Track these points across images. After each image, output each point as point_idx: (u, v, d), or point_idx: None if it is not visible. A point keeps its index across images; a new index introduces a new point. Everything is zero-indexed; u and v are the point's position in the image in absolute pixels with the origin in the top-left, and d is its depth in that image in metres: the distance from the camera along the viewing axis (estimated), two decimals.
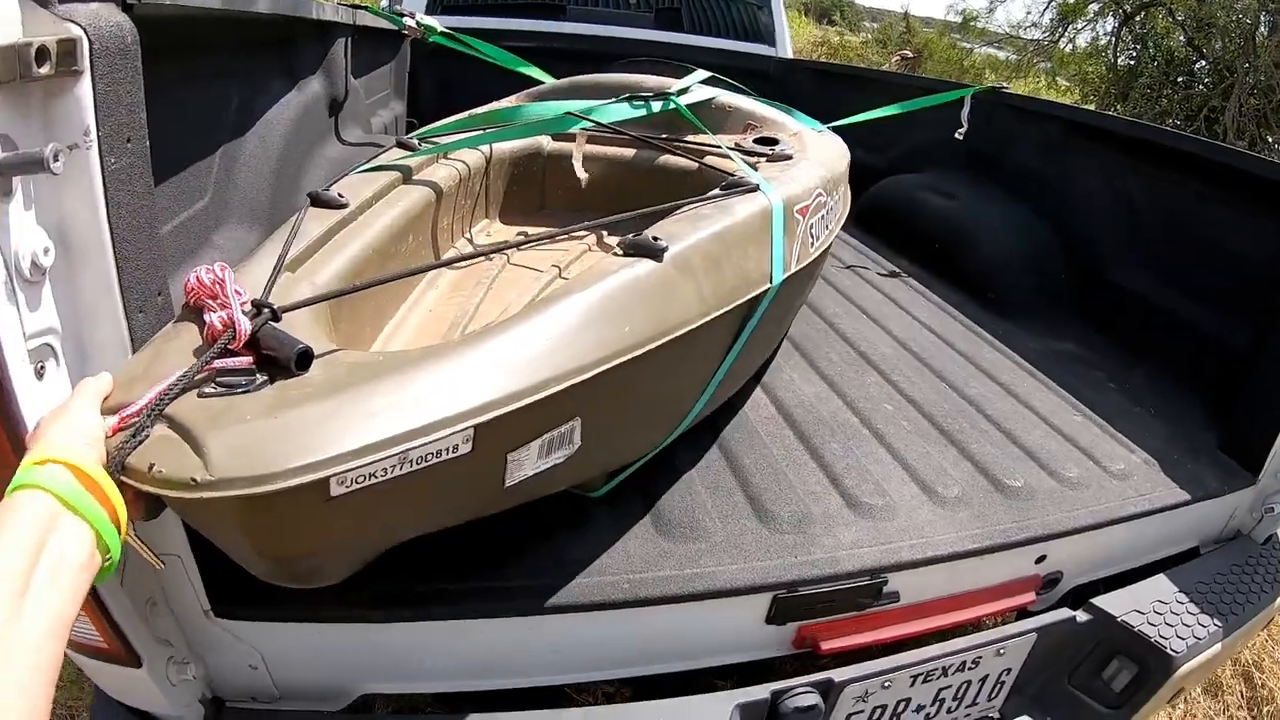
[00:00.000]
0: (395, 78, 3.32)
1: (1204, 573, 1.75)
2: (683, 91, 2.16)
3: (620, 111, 2.01)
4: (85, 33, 0.80)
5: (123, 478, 0.72)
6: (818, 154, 1.98)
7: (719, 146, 1.91)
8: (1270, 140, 10.30)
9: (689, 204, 1.43)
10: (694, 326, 1.18)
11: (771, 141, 2.00)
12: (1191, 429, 2.02)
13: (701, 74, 2.39)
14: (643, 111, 2.04)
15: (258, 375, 0.82)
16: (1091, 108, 12.32)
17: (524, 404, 0.89)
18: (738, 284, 1.33)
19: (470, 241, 2.01)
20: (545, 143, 2.25)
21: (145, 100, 0.91)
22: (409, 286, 1.67)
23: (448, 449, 0.84)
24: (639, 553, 1.39)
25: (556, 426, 1.02)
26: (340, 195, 1.44)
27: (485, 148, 2.06)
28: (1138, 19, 12.31)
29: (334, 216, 1.38)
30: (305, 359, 0.83)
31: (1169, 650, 1.55)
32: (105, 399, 0.80)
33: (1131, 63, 12.21)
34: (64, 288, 0.86)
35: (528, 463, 1.01)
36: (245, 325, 0.84)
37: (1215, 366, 2.15)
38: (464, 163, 1.94)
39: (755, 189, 1.52)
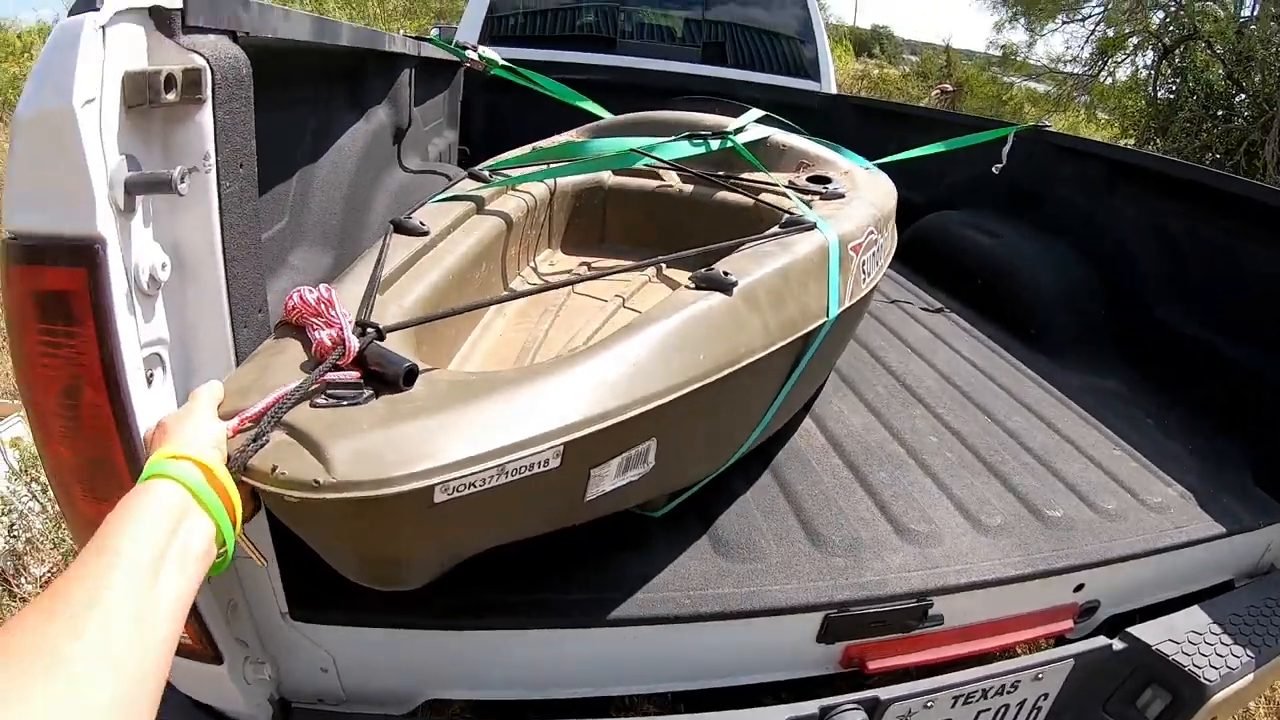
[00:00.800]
0: (449, 106, 3.41)
1: (1237, 605, 1.77)
2: (739, 130, 2.23)
3: (680, 149, 2.08)
4: (208, 63, 0.86)
5: (245, 478, 0.78)
6: (869, 193, 2.04)
7: (776, 185, 1.97)
8: None
9: (751, 241, 1.50)
10: (759, 356, 1.24)
11: (824, 180, 2.06)
12: (1227, 465, 2.05)
13: (756, 113, 2.45)
14: (701, 149, 2.11)
15: (364, 390, 0.89)
16: (1131, 142, 12.27)
17: (610, 424, 0.95)
18: (798, 317, 1.39)
19: (535, 270, 2.08)
20: (606, 177, 2.32)
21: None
22: (481, 312, 1.75)
23: (540, 463, 0.90)
24: (698, 571, 1.44)
25: (635, 446, 1.08)
26: (421, 223, 1.53)
27: (550, 181, 2.13)
28: (1177, 52, 12.26)
29: (416, 243, 1.47)
30: (411, 376, 0.91)
31: (1202, 679, 1.57)
32: (219, 405, 0.86)
33: (1171, 96, 12.13)
34: (174, 301, 0.93)
35: (607, 479, 1.07)
36: (354, 343, 0.91)
37: (1252, 404, 2.17)
38: (531, 195, 2.02)
39: (813, 227, 1.58)
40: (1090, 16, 13.61)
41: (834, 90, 4.90)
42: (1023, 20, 14.21)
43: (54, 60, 0.75)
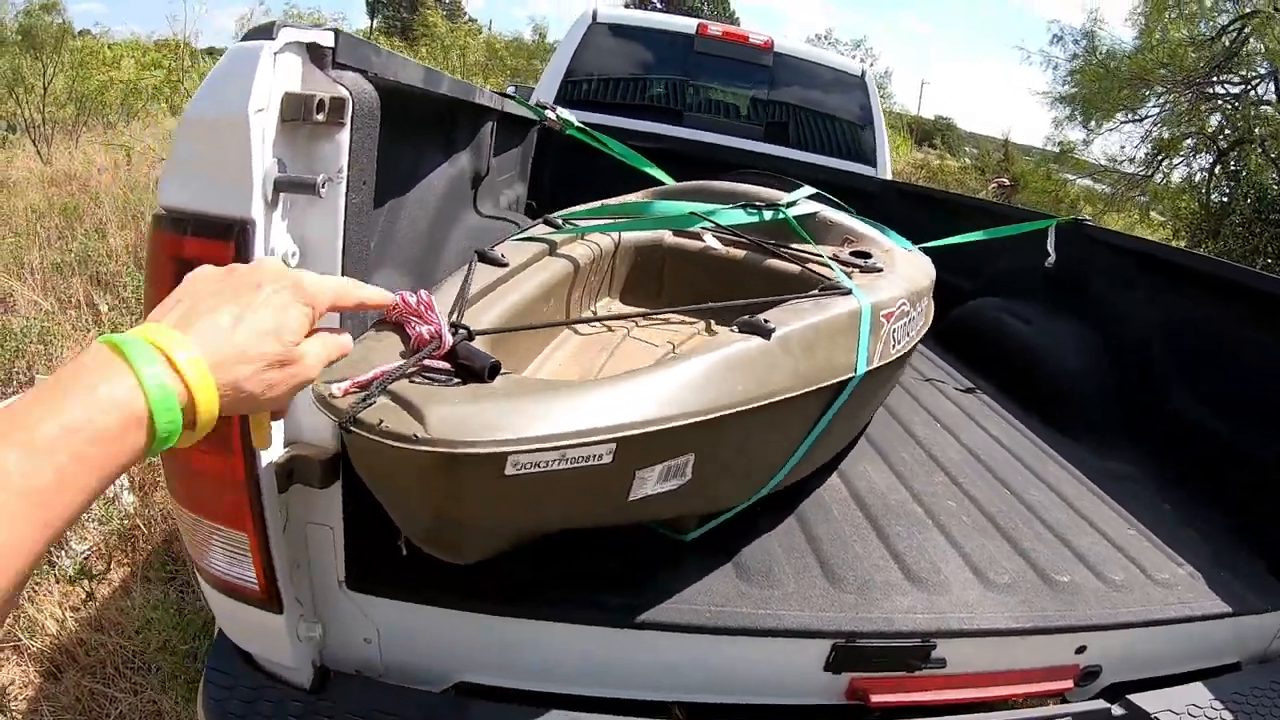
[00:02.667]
0: (521, 161, 3.60)
1: (1241, 685, 1.79)
2: (791, 204, 2.41)
3: (737, 216, 2.28)
4: (350, 95, 1.05)
5: (353, 428, 0.91)
6: (905, 269, 2.18)
7: (820, 256, 2.13)
8: None
9: (791, 299, 1.65)
10: (790, 396, 1.38)
11: (865, 255, 2.21)
12: (1241, 553, 2.08)
13: (808, 190, 2.64)
14: (755, 219, 2.30)
15: (454, 377, 1.05)
16: (1182, 244, 12.25)
17: (656, 430, 1.10)
18: (827, 368, 1.52)
19: (595, 314, 2.25)
20: (667, 237, 2.48)
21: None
22: (543, 343, 1.91)
23: (595, 455, 1.04)
24: (721, 591, 1.55)
25: (676, 457, 1.22)
26: (502, 255, 1.72)
27: (615, 234, 2.31)
28: (1232, 155, 12.31)
29: (497, 272, 1.65)
30: (495, 371, 1.06)
31: None
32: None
33: (1224, 199, 12.14)
34: None
35: (649, 483, 1.21)
36: (449, 338, 1.07)
37: (1266, 495, 2.19)
38: (597, 245, 2.19)
39: (848, 292, 1.73)
40: (1148, 117, 13.75)
41: (889, 176, 5.05)
42: (1080, 118, 14.36)
43: (233, 74, 0.94)
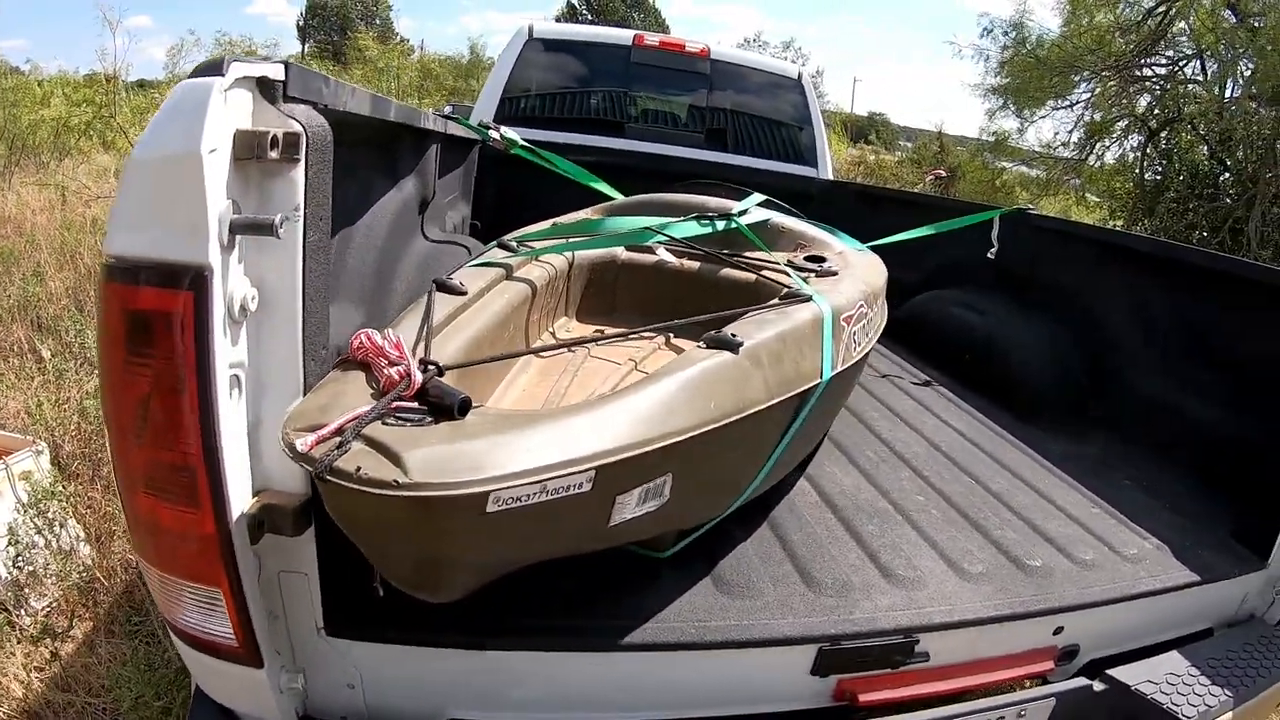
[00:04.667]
0: (464, 182, 3.56)
1: (1216, 650, 1.85)
2: (743, 213, 2.43)
3: (689, 229, 2.29)
4: (304, 129, 1.02)
5: (329, 477, 0.89)
6: (860, 271, 2.23)
7: (776, 263, 2.15)
8: None
9: (754, 310, 1.68)
10: (761, 408, 1.40)
11: (820, 259, 2.24)
12: (1205, 521, 2.15)
13: (758, 197, 2.66)
14: (708, 229, 2.32)
15: (426, 416, 1.04)
16: (1119, 223, 12.53)
17: (634, 454, 1.10)
18: (794, 377, 1.55)
19: (553, 335, 2.24)
20: (620, 253, 2.49)
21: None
22: (507, 368, 1.90)
23: (575, 485, 1.05)
24: (702, 605, 1.56)
25: (653, 479, 1.23)
26: (461, 284, 1.71)
27: (569, 254, 2.31)
28: (1163, 135, 12.62)
29: (456, 301, 1.64)
30: (465, 407, 1.05)
31: (1180, 716, 1.64)
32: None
33: (1158, 178, 12.43)
34: (253, 330, 1.06)
35: (628, 507, 1.21)
36: (418, 377, 1.06)
37: (1229, 465, 2.29)
38: (552, 265, 2.19)
39: (809, 299, 1.76)
40: (1079, 103, 14.01)
41: (830, 176, 5.07)
42: (1013, 107, 14.59)
43: (183, 112, 0.91)
